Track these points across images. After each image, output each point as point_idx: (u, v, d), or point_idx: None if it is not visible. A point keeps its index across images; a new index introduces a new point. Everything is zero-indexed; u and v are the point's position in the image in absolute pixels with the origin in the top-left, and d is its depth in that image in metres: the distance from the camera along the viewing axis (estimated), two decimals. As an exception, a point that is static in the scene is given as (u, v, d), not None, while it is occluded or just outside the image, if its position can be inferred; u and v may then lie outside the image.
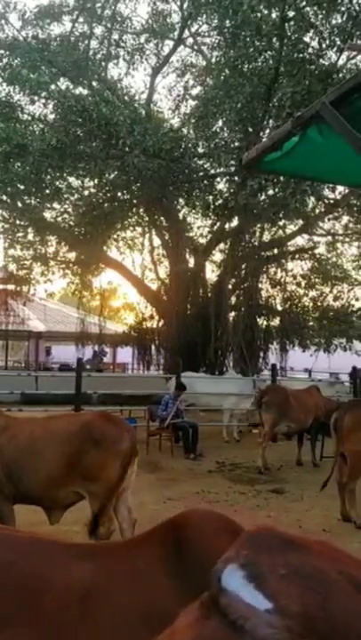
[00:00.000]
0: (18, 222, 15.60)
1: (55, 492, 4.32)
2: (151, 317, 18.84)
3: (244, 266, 16.95)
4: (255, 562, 0.65)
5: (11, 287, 18.43)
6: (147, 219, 17.22)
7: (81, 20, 16.00)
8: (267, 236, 17.63)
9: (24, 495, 4.34)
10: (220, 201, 15.05)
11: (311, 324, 18.62)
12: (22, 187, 14.11)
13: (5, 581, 1.38)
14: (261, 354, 17.66)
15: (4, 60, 14.56)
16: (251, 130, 12.12)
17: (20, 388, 13.17)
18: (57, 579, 1.39)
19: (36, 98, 14.26)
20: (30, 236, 16.08)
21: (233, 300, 17.57)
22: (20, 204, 15.23)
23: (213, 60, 14.98)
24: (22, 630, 1.32)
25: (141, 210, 16.28)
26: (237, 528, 1.50)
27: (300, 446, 9.69)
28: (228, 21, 11.24)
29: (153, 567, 1.41)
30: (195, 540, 1.42)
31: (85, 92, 14.36)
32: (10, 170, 12.78)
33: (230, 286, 17.38)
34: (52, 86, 13.89)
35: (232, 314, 17.19)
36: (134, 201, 15.42)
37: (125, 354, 24.84)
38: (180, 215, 17.17)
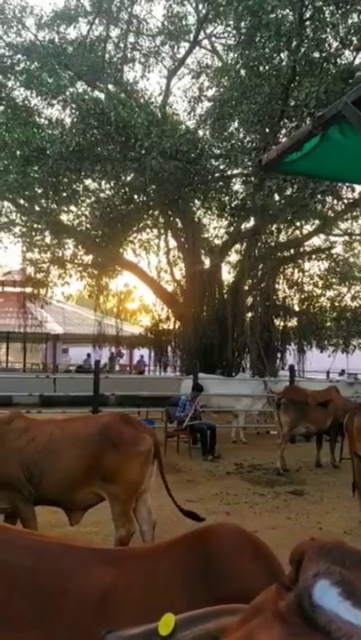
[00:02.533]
0: (35, 226, 15.74)
1: (75, 493, 4.34)
2: (167, 319, 18.85)
3: (260, 266, 16.89)
4: (349, 579, 0.64)
5: (28, 290, 18.58)
6: (162, 220, 17.25)
7: (97, 22, 16.11)
8: (283, 237, 17.55)
9: (44, 496, 4.37)
10: (236, 202, 15.02)
11: (329, 324, 18.49)
12: (40, 190, 14.23)
13: (27, 585, 1.38)
14: (279, 355, 17.57)
15: (22, 65, 14.71)
16: (268, 130, 12.08)
17: (38, 391, 13.29)
18: (78, 584, 1.39)
19: (54, 102, 14.37)
20: (48, 240, 16.21)
21: (250, 300, 17.51)
22: (37, 208, 15.37)
23: (229, 61, 14.98)
24: (41, 633, 1.32)
25: (157, 211, 16.32)
26: (262, 547, 1.49)
27: (319, 448, 9.63)
28: (244, 22, 11.22)
29: (175, 578, 1.40)
30: (219, 555, 1.41)
31: (102, 95, 14.43)
32: (28, 174, 12.90)
33: (247, 287, 17.33)
34: (70, 90, 13.99)
35: (249, 315, 17.13)
36: (150, 203, 15.45)
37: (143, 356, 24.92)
38: (196, 216, 17.17)
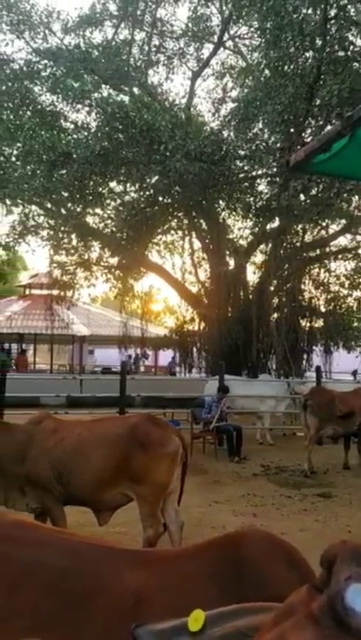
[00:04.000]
0: (62, 229, 15.92)
1: (103, 493, 4.38)
2: (192, 320, 18.86)
3: (286, 267, 16.78)
4: None
5: (55, 292, 18.81)
6: (187, 222, 17.28)
7: (122, 26, 16.22)
8: (309, 237, 17.41)
9: (73, 496, 4.42)
10: (261, 202, 14.95)
11: (356, 324, 18.26)
12: (66, 194, 14.40)
13: (60, 585, 1.40)
14: (305, 356, 17.42)
15: (48, 70, 14.91)
16: (293, 130, 12.01)
17: (65, 392, 13.44)
18: (111, 585, 1.41)
19: (79, 106, 14.52)
20: (74, 242, 16.38)
21: (275, 301, 17.40)
22: (63, 211, 15.55)
23: (253, 61, 14.93)
24: (76, 634, 1.34)
25: (181, 213, 16.36)
26: (294, 552, 1.48)
27: (346, 449, 9.52)
28: (268, 23, 11.18)
29: (206, 582, 1.41)
30: (250, 560, 1.41)
31: (126, 98, 14.54)
32: (54, 178, 13.07)
33: (272, 288, 17.24)
34: (95, 94, 14.13)
35: (274, 315, 17.03)
36: (175, 205, 15.50)
37: (167, 357, 24.98)
38: (221, 217, 17.15)
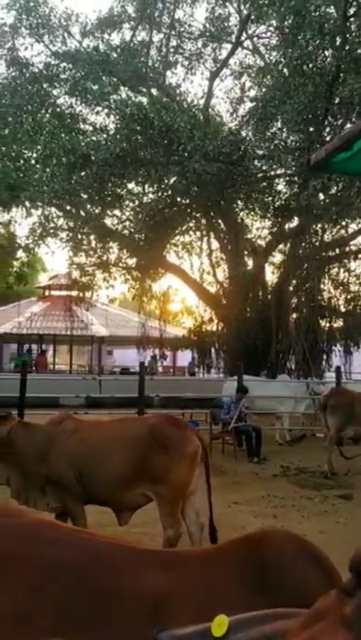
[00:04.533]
0: (81, 230, 16.03)
1: (123, 493, 4.39)
2: (210, 321, 18.82)
3: (305, 267, 16.67)
4: None
5: (74, 293, 18.94)
6: (205, 222, 17.27)
7: (140, 28, 16.26)
8: (328, 236, 17.26)
9: (93, 496, 4.44)
10: (279, 202, 14.88)
11: (377, 324, 18.03)
12: (85, 196, 14.49)
13: (83, 585, 1.41)
14: (324, 356, 17.29)
15: (67, 73, 15.01)
16: (312, 129, 11.94)
17: (84, 392, 13.51)
18: (133, 585, 1.41)
19: (98, 108, 14.60)
20: (93, 244, 16.48)
21: (294, 301, 17.30)
22: (82, 213, 15.65)
23: (272, 60, 14.86)
24: (99, 634, 1.34)
25: (199, 214, 16.36)
26: (319, 554, 1.47)
27: (367, 451, 9.40)
28: (287, 21, 11.14)
29: (230, 583, 1.40)
30: (275, 561, 1.40)
31: (145, 100, 14.58)
32: (74, 180, 13.17)
33: (291, 288, 17.14)
34: (113, 96, 14.20)
35: (293, 316, 16.93)
36: (193, 205, 15.51)
37: (185, 357, 24.98)
38: (239, 217, 17.11)
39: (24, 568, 1.43)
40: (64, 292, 21.67)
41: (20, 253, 17.99)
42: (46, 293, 26.09)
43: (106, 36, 16.18)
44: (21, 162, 13.85)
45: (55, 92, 15.56)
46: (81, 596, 1.39)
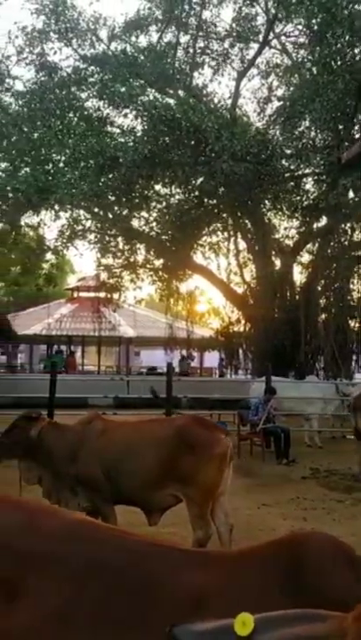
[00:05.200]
0: (109, 232, 16.15)
1: (151, 494, 4.40)
2: (238, 321, 18.75)
3: (333, 266, 16.49)
4: None
5: (102, 295, 19.09)
6: (232, 223, 17.22)
7: (167, 29, 16.29)
8: (358, 235, 17.05)
9: (122, 496, 4.46)
10: (308, 201, 14.75)
11: None
12: (113, 197, 14.59)
13: (122, 584, 1.41)
14: (354, 357, 17.06)
15: (95, 76, 15.15)
16: (341, 127, 11.79)
17: (112, 393, 13.60)
18: (170, 584, 1.40)
19: (126, 110, 14.69)
20: (120, 245, 16.59)
21: (323, 301, 17.13)
22: (110, 215, 15.76)
23: (300, 59, 14.75)
24: (138, 634, 1.34)
25: (227, 214, 16.31)
26: (354, 556, 1.44)
27: None
28: (316, 19, 11.03)
29: (265, 583, 1.38)
30: (312, 562, 1.38)
31: (172, 101, 14.61)
32: (102, 182, 13.28)
33: (320, 288, 16.98)
34: (141, 98, 14.26)
35: (322, 316, 16.76)
36: (220, 206, 15.48)
37: (212, 358, 24.93)
38: (266, 217, 17.01)
39: (64, 567, 1.44)
40: (92, 294, 21.86)
41: (49, 255, 18.24)
42: (75, 295, 26.34)
43: (133, 38, 16.26)
44: (50, 165, 14.02)
45: (83, 96, 15.72)
46: (120, 595, 1.39)
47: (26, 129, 14.66)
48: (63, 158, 14.15)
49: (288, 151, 13.52)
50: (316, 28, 11.23)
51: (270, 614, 1.06)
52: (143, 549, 1.50)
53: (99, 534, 1.58)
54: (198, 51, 16.66)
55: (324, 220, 16.52)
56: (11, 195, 13.41)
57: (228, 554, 2.03)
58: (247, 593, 1.37)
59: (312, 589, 1.31)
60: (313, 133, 13.60)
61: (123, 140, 13.84)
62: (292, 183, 14.88)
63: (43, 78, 15.54)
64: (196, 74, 16.95)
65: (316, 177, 14.42)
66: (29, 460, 4.50)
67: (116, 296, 19.17)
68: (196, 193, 15.13)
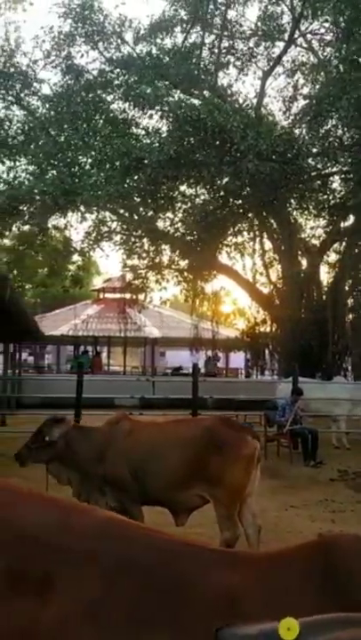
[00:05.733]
0: (134, 233, 16.22)
1: (178, 494, 4.41)
2: (263, 322, 18.63)
3: (361, 266, 16.28)
4: None
5: (128, 296, 19.19)
6: (257, 223, 17.13)
7: (192, 30, 16.29)
8: (387, 234, 16.78)
9: (150, 496, 4.48)
10: (335, 200, 14.58)
11: None
12: (138, 199, 14.66)
13: (153, 582, 1.41)
14: (382, 358, 16.79)
15: (120, 79, 15.24)
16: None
17: (138, 393, 13.66)
18: (203, 584, 1.40)
19: (152, 112, 14.74)
20: (146, 246, 16.65)
21: (350, 301, 16.91)
22: (135, 216, 15.84)
23: (326, 56, 14.59)
24: (171, 634, 1.34)
25: (252, 214, 16.23)
26: None
27: None
28: (343, 16, 10.90)
29: (298, 584, 1.37)
30: (346, 565, 1.36)
31: (197, 101, 14.61)
32: (127, 183, 13.34)
33: (347, 287, 16.77)
34: (166, 99, 14.29)
35: (350, 316, 16.54)
36: (246, 206, 15.41)
37: (237, 359, 24.85)
38: (292, 217, 16.88)
39: (95, 564, 1.45)
40: (118, 295, 21.99)
41: (76, 257, 18.41)
42: (101, 296, 26.55)
43: (158, 40, 16.30)
44: (76, 167, 14.15)
45: (109, 98, 15.81)
46: (151, 593, 1.39)
47: (53, 132, 14.82)
48: (89, 160, 14.27)
49: (314, 150, 13.39)
50: (343, 24, 11.10)
51: (315, 618, 1.06)
52: (174, 548, 1.50)
53: (129, 532, 1.58)
54: (223, 50, 16.60)
55: (351, 219, 16.32)
56: (38, 197, 13.57)
57: (257, 555, 2.02)
58: (277, 594, 1.36)
59: (342, 591, 1.29)
60: (340, 131, 13.45)
61: (148, 141, 13.88)
62: (318, 182, 14.74)
63: (69, 81, 15.68)
64: (221, 74, 16.91)
65: (343, 175, 14.26)
66: (57, 463, 4.56)
67: (141, 297, 19.25)
68: (222, 193, 15.08)
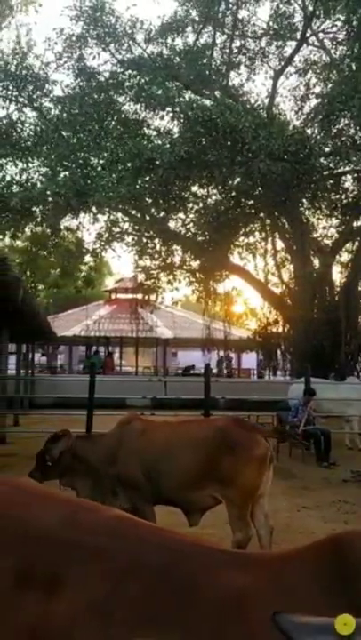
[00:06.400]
0: (146, 234, 16.25)
1: (191, 494, 4.40)
2: (276, 322, 18.58)
3: (374, 265, 16.17)
4: None
5: (140, 296, 19.24)
6: (269, 223, 17.08)
7: (203, 30, 16.29)
8: None
9: (162, 497, 4.48)
10: (347, 200, 14.50)
11: None
12: (150, 199, 14.68)
13: (163, 581, 1.41)
14: (396, 358, 16.68)
15: (132, 80, 15.28)
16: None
17: (150, 393, 13.68)
18: (213, 584, 1.39)
19: (163, 113, 14.77)
20: (157, 247, 16.67)
21: (363, 301, 16.80)
22: (147, 217, 15.86)
23: (338, 55, 14.51)
24: (182, 634, 1.34)
25: (264, 214, 16.19)
26: None
27: None
28: (355, 15, 10.83)
29: (310, 584, 1.36)
30: (356, 562, 1.35)
31: (208, 102, 14.61)
32: (139, 184, 13.37)
33: (360, 287, 16.65)
34: (177, 100, 14.31)
35: (363, 316, 16.44)
36: (257, 206, 15.37)
37: (249, 359, 24.79)
38: (304, 217, 16.81)
39: (104, 563, 1.46)
40: (130, 295, 22.08)
41: (88, 258, 18.49)
42: (113, 297, 26.64)
43: (169, 40, 16.32)
44: (88, 169, 14.21)
45: (121, 99, 15.87)
46: (161, 593, 1.39)
47: (65, 133, 14.89)
48: (101, 161, 14.32)
49: (327, 149, 13.32)
50: (355, 23, 11.04)
51: None
52: (184, 548, 1.50)
53: (140, 531, 1.59)
54: (235, 50, 16.60)
55: (364, 218, 16.22)
56: (50, 199, 13.64)
57: (269, 555, 2.01)
58: (289, 594, 1.35)
59: (356, 590, 1.28)
60: (352, 130, 13.39)
61: (160, 142, 13.91)
62: (330, 181, 14.66)
63: (81, 83, 15.76)
64: (232, 74, 16.90)
65: (355, 174, 14.18)
66: (67, 477, 4.58)
67: (153, 297, 19.28)
68: (233, 193, 15.06)
